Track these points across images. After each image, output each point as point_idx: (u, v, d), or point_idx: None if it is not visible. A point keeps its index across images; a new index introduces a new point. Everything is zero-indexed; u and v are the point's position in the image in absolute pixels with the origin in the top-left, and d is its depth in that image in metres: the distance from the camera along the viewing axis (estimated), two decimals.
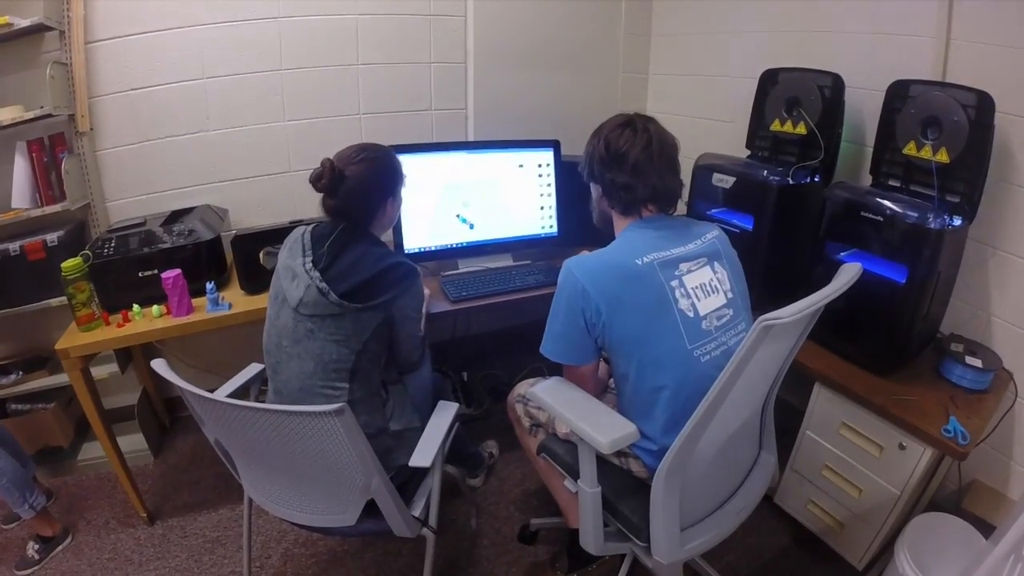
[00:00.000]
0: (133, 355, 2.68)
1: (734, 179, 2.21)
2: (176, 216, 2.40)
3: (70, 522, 2.34)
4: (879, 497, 1.81)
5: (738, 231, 2.20)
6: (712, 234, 1.57)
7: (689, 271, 1.46)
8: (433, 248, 2.42)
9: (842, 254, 1.96)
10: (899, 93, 1.91)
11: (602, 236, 1.63)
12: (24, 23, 2.10)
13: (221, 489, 2.50)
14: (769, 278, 2.11)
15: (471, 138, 3.00)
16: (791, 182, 2.08)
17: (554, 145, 2.53)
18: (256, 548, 2.19)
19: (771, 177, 2.11)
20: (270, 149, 2.71)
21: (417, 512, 1.62)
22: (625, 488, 1.56)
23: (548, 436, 1.78)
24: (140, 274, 2.13)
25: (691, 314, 1.43)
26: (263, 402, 1.65)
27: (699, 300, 1.45)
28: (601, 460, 1.48)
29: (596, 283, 1.42)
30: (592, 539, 1.53)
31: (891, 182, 1.98)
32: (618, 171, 1.50)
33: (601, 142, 1.53)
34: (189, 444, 2.81)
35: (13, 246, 2.20)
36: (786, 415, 1.80)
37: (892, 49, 2.09)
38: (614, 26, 3.15)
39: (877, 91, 1.97)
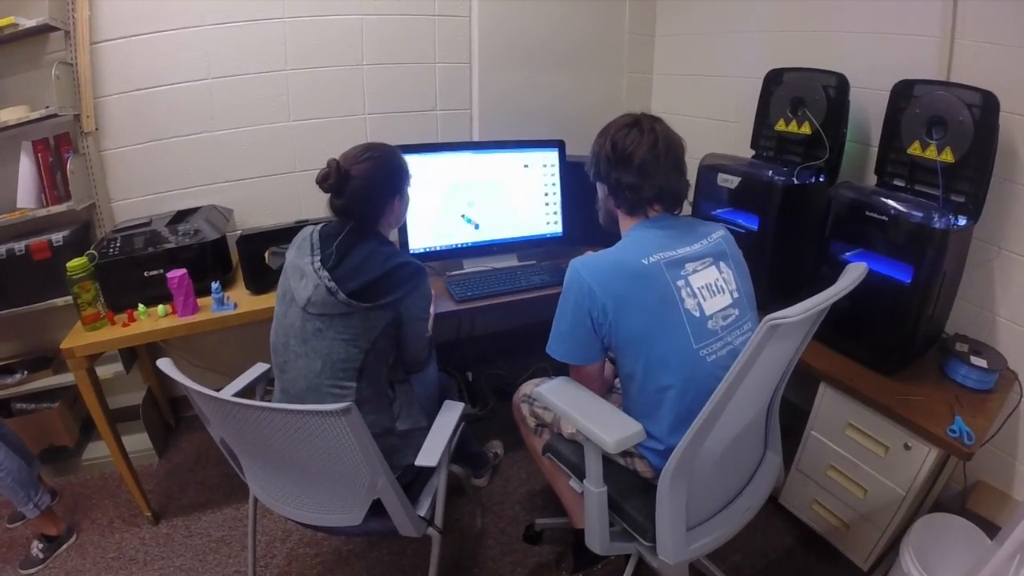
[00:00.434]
0: (138, 355, 2.69)
1: (739, 179, 2.21)
2: (181, 216, 2.41)
3: (75, 521, 2.35)
4: (884, 497, 1.81)
5: (743, 231, 2.20)
6: (718, 234, 1.57)
7: (695, 271, 1.46)
8: (438, 248, 2.43)
9: (847, 254, 1.96)
10: (904, 93, 1.91)
11: (607, 236, 1.63)
12: (29, 23, 2.11)
13: (226, 489, 2.50)
14: (774, 278, 2.11)
15: (476, 138, 3.00)
16: (796, 182, 2.08)
17: (559, 145, 2.53)
18: (261, 548, 2.19)
19: (776, 177, 2.11)
20: (275, 149, 2.71)
21: (422, 512, 1.62)
22: (630, 488, 1.56)
23: (553, 436, 1.79)
24: (145, 274, 2.13)
25: (697, 314, 1.44)
26: (269, 401, 1.65)
27: (705, 300, 1.45)
28: (606, 460, 1.48)
29: (602, 283, 1.42)
30: (598, 539, 1.54)
31: (896, 182, 1.98)
32: (624, 171, 1.50)
33: (608, 142, 1.53)
34: (194, 444, 2.82)
35: (18, 246, 2.20)
36: (790, 415, 1.80)
37: (896, 49, 2.09)
38: (618, 26, 3.15)
39: (882, 91, 1.98)
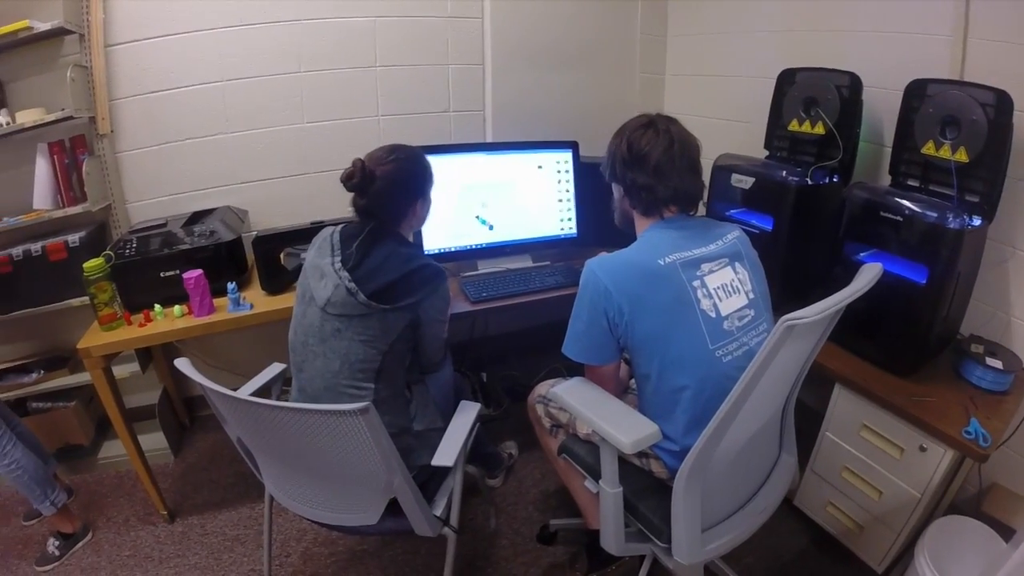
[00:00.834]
0: (154, 355, 2.71)
1: (753, 180, 2.21)
2: (197, 217, 2.43)
3: (90, 519, 2.37)
4: (899, 499, 1.80)
5: (757, 232, 2.19)
6: (733, 235, 1.57)
7: (711, 271, 1.46)
8: (453, 249, 2.44)
9: (861, 254, 1.95)
10: (917, 92, 1.91)
11: (621, 237, 1.63)
12: (44, 27, 2.13)
13: (241, 488, 2.52)
14: (788, 278, 2.11)
15: (489, 139, 3.00)
16: (810, 182, 2.08)
17: (572, 146, 2.54)
18: (276, 546, 2.20)
19: (790, 177, 2.10)
20: (290, 151, 2.72)
21: (438, 512, 1.63)
22: (646, 489, 1.56)
23: (568, 437, 1.79)
24: (161, 274, 2.15)
25: (713, 314, 1.44)
26: (285, 400, 1.66)
27: (721, 300, 1.45)
28: (622, 461, 1.49)
29: (618, 283, 1.42)
30: (613, 540, 1.54)
31: (910, 182, 1.97)
32: (640, 172, 1.51)
33: (623, 142, 1.53)
34: (209, 443, 2.84)
35: (35, 247, 2.23)
36: (804, 416, 1.80)
37: (909, 48, 2.09)
38: (630, 27, 3.15)
39: (895, 90, 1.97)
